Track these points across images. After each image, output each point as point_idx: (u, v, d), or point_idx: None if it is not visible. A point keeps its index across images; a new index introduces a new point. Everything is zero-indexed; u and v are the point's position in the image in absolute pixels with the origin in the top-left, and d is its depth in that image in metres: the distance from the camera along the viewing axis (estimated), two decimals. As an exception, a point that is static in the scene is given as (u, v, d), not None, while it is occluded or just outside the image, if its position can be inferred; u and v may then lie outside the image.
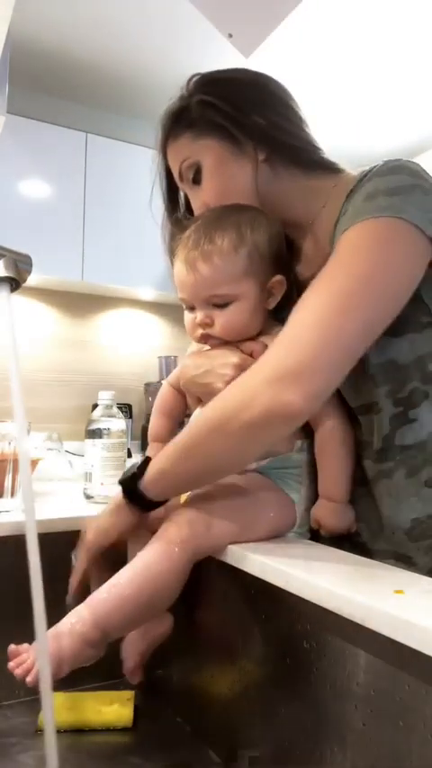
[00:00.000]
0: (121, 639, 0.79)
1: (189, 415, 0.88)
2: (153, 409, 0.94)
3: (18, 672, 0.62)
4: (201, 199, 0.83)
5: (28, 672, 0.61)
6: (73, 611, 0.66)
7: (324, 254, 0.80)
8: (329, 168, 0.83)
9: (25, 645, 0.64)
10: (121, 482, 0.75)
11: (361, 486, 0.81)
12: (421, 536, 0.77)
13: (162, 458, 0.72)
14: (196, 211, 0.85)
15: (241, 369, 0.75)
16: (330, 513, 0.78)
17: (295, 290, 0.87)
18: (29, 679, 0.61)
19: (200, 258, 0.76)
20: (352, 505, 0.81)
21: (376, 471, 0.79)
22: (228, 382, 0.76)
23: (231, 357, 0.77)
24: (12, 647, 0.64)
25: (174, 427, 0.93)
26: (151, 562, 0.67)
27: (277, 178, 0.82)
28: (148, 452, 0.92)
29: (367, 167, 0.77)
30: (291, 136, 0.82)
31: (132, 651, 0.78)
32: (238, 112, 0.80)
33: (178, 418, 0.93)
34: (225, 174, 0.81)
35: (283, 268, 0.81)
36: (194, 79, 0.85)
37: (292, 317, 0.68)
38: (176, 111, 0.85)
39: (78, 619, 0.65)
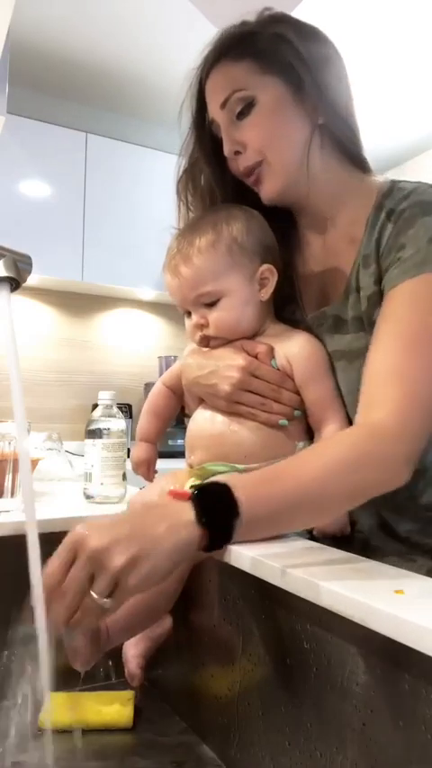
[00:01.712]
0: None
1: (187, 415, 0.88)
2: (144, 408, 0.94)
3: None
4: (240, 136, 0.77)
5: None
6: None
7: (335, 254, 0.81)
8: (363, 167, 0.82)
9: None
10: (202, 489, 0.58)
11: None
12: (417, 545, 0.79)
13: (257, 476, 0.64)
14: (227, 149, 0.78)
15: (246, 371, 0.75)
16: None
17: (296, 285, 0.87)
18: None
19: (181, 262, 0.76)
20: None
21: None
22: (233, 385, 0.75)
23: (237, 359, 0.76)
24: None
25: (164, 428, 0.93)
26: None
27: (320, 153, 0.78)
28: (134, 452, 0.92)
29: (401, 182, 0.77)
30: (350, 117, 0.80)
31: (133, 654, 0.78)
32: (313, 64, 0.75)
33: (170, 419, 0.93)
34: (281, 118, 0.76)
35: (273, 257, 0.80)
36: (269, 13, 0.79)
37: (374, 368, 0.67)
38: (241, 35, 0.77)
39: None
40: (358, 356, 0.76)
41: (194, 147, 0.84)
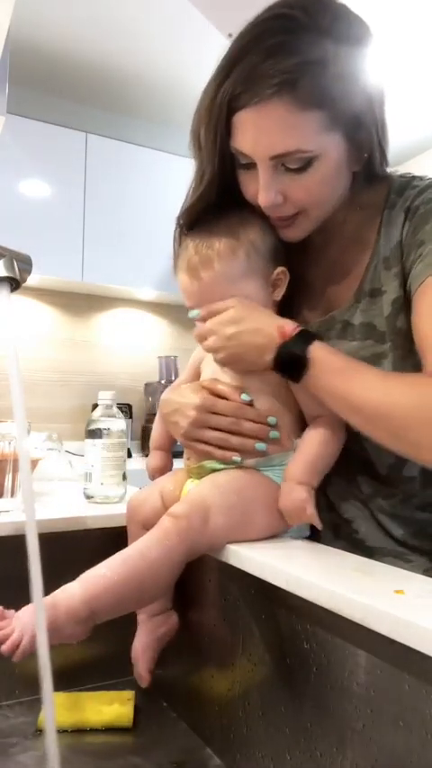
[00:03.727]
0: (122, 640, 0.79)
1: None
2: (156, 417, 0.94)
3: (3, 648, 0.60)
4: (286, 190, 0.70)
5: (14, 646, 0.60)
6: (65, 585, 0.65)
7: (342, 258, 0.80)
8: (378, 177, 0.78)
9: (11, 611, 0.62)
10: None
11: (359, 494, 0.81)
12: (414, 547, 0.80)
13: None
14: (266, 200, 0.71)
15: (202, 409, 0.75)
16: (285, 492, 0.74)
17: (296, 289, 0.86)
18: (15, 656, 0.59)
19: (200, 266, 0.75)
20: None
21: (374, 490, 0.80)
22: (190, 423, 0.76)
23: (194, 398, 0.77)
24: None
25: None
26: (145, 548, 0.67)
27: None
28: (149, 460, 0.93)
29: (415, 178, 0.76)
30: (384, 153, 0.75)
31: (143, 654, 0.78)
32: (380, 115, 0.70)
33: None
34: (335, 179, 0.72)
35: (283, 258, 0.79)
36: (335, 15, 0.66)
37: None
38: (308, 63, 0.63)
39: (69, 594, 0.64)
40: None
41: (210, 179, 0.76)
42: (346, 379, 0.68)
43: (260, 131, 0.67)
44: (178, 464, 0.86)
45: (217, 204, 0.78)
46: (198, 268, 0.76)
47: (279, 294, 0.80)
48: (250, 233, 0.76)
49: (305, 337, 0.70)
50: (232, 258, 0.75)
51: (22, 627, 0.61)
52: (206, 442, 0.76)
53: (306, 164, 0.68)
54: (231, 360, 0.74)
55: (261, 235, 0.77)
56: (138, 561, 0.67)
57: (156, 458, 0.92)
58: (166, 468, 0.92)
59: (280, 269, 0.79)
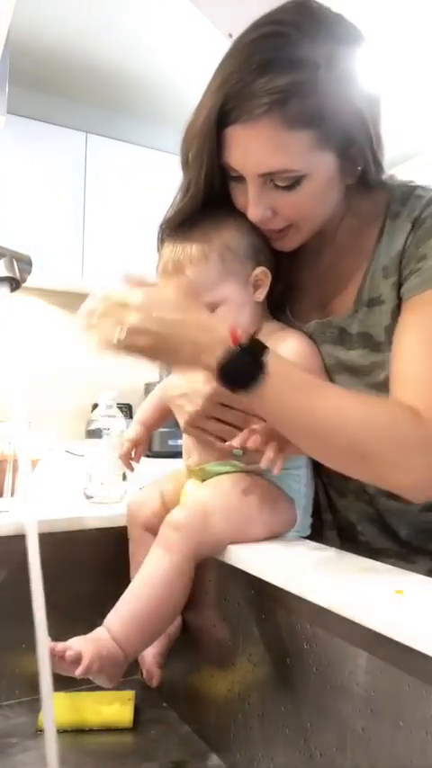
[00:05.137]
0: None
1: None
2: (151, 394, 0.94)
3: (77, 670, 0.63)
4: (275, 205, 0.70)
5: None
6: (92, 634, 0.66)
7: (338, 264, 0.79)
8: (374, 184, 0.76)
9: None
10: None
11: (363, 494, 0.81)
12: (418, 548, 0.80)
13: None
14: (256, 214, 0.71)
15: (212, 400, 0.73)
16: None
17: (287, 292, 0.85)
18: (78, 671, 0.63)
19: (174, 274, 0.75)
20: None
21: (379, 489, 0.79)
22: (197, 411, 0.74)
23: (206, 386, 0.74)
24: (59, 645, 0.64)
25: (163, 418, 0.92)
26: (153, 572, 0.67)
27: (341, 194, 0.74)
28: (128, 431, 0.92)
29: (418, 187, 0.75)
30: (379, 164, 0.73)
31: (150, 655, 0.78)
32: (372, 128, 0.69)
33: (170, 412, 0.92)
34: (326, 195, 0.71)
35: (265, 256, 0.78)
36: (322, 26, 0.65)
37: (403, 378, 0.65)
38: (301, 85, 0.62)
39: (99, 640, 0.65)
40: (363, 373, 0.75)
41: (195, 191, 0.75)
42: (309, 396, 0.61)
43: (249, 149, 0.66)
44: (178, 464, 0.86)
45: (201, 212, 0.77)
46: (172, 275, 0.75)
47: (261, 295, 0.78)
48: (224, 235, 0.75)
49: (260, 345, 0.61)
50: (205, 262, 0.74)
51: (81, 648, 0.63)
52: (209, 432, 0.75)
53: (295, 182, 0.67)
54: (152, 349, 0.62)
55: (237, 235, 0.75)
56: (151, 589, 0.67)
57: (135, 430, 0.91)
58: (141, 443, 0.91)
59: (260, 269, 0.77)
